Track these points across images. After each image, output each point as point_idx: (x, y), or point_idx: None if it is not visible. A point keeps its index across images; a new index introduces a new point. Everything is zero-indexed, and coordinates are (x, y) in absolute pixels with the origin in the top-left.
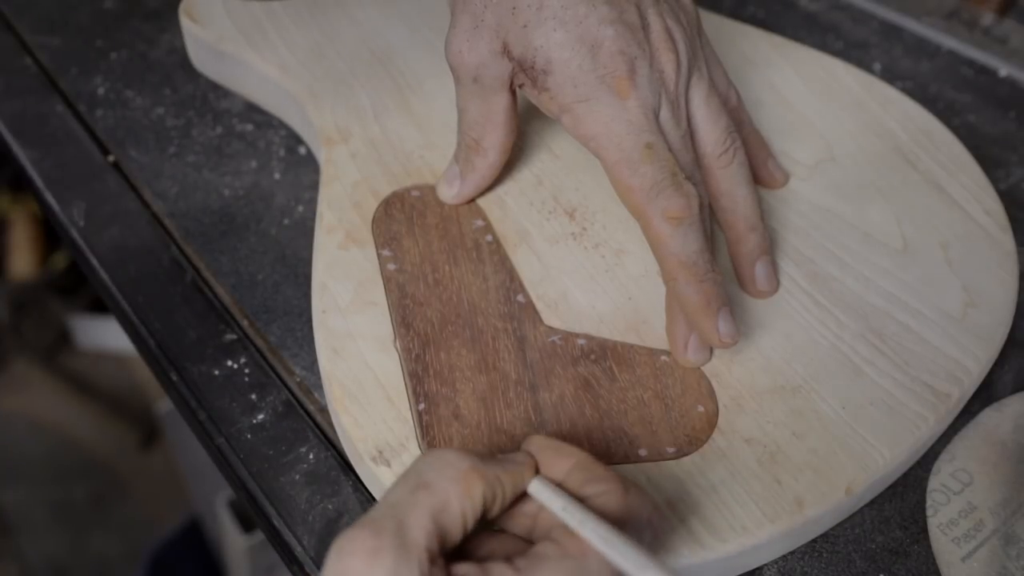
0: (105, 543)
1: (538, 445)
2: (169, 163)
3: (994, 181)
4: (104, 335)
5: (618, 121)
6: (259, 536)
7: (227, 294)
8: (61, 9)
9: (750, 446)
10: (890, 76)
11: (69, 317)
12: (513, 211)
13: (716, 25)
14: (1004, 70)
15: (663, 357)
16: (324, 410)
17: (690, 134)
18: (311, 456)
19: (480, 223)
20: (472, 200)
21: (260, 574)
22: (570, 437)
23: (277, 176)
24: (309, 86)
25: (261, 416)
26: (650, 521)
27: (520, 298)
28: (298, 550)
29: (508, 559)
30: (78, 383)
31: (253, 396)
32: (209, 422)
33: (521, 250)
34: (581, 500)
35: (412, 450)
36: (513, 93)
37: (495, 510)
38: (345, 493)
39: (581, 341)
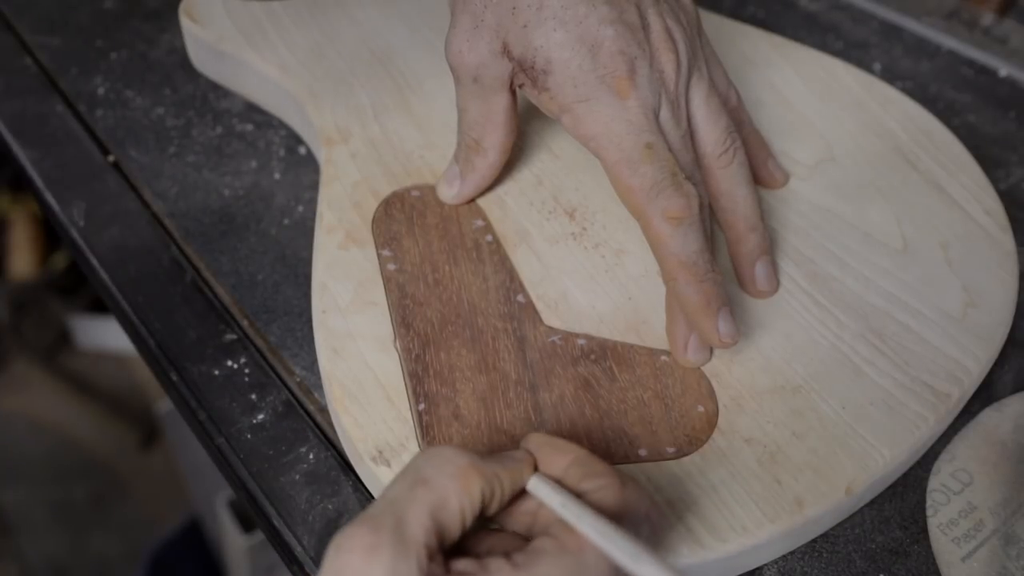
0: (105, 543)
1: (536, 442)
2: (169, 163)
3: (994, 181)
4: (104, 335)
5: (618, 121)
6: (259, 536)
7: (227, 294)
8: (61, 9)
9: (750, 446)
10: (890, 76)
11: (69, 317)
12: (513, 211)
13: (716, 25)
14: (1004, 70)
15: (663, 357)
16: (324, 410)
17: (690, 134)
18: (311, 456)
19: (480, 223)
20: (472, 200)
21: (260, 574)
22: (570, 437)
23: (277, 176)
24: (309, 86)
25: (261, 416)
26: (647, 515)
27: (520, 298)
28: (298, 550)
29: (506, 555)
30: (78, 383)
31: (253, 396)
32: (209, 422)
33: (521, 250)
34: (579, 495)
35: (412, 450)
36: (513, 93)
37: (494, 507)
38: (345, 493)
39: (581, 341)
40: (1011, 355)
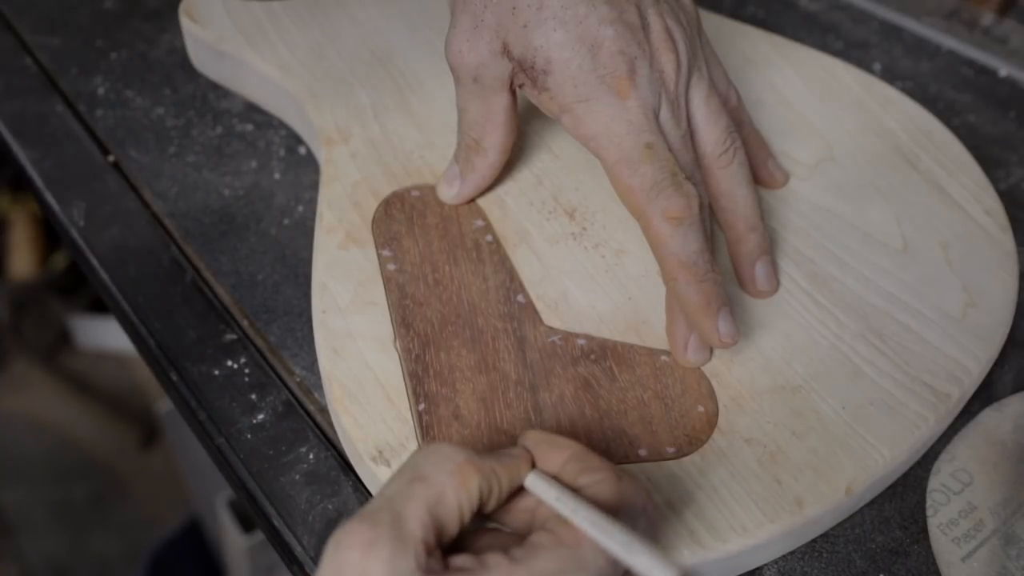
0: (105, 543)
1: (534, 439)
2: (169, 163)
3: (994, 181)
4: (104, 335)
5: (618, 121)
6: (259, 536)
7: (227, 294)
8: (61, 9)
9: (750, 446)
10: (890, 76)
11: (69, 317)
12: (513, 211)
13: (716, 25)
14: (1004, 70)
15: (663, 357)
16: (324, 410)
17: (690, 134)
18: (311, 456)
19: (480, 223)
20: (472, 200)
21: (260, 574)
22: (570, 437)
23: (277, 176)
24: (309, 86)
25: (261, 416)
26: (644, 509)
27: (520, 298)
28: (298, 550)
29: (504, 550)
30: (78, 383)
31: (253, 396)
32: (209, 422)
33: (521, 250)
34: (576, 491)
35: (412, 450)
36: (513, 93)
37: (492, 504)
38: (345, 493)
39: (581, 341)
40: (1011, 355)
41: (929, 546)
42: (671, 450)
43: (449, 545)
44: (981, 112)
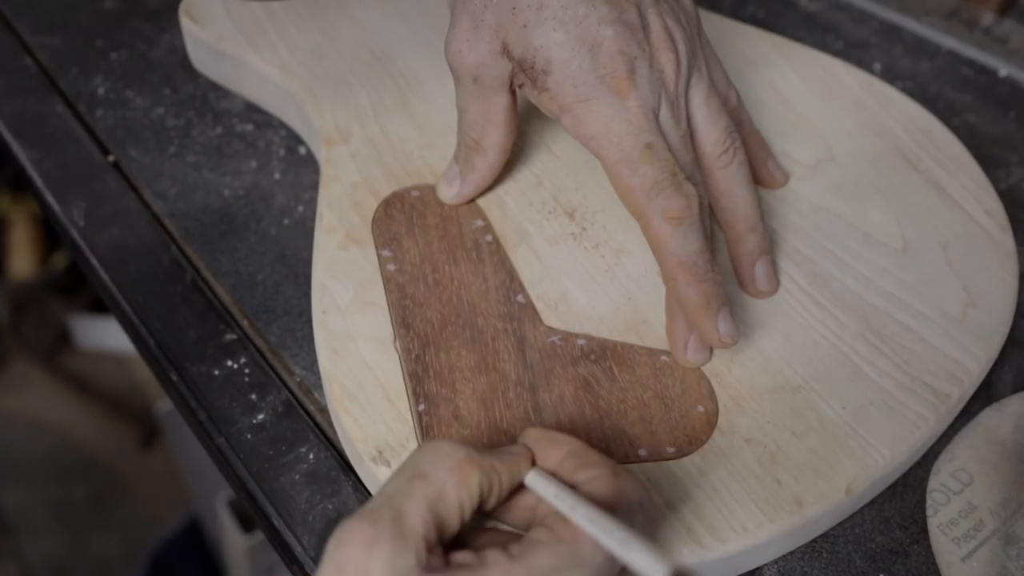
0: (105, 543)
1: (533, 436)
2: (169, 163)
3: (994, 181)
4: (104, 335)
5: (618, 121)
6: (259, 536)
7: (227, 294)
8: (61, 9)
9: (750, 446)
10: (890, 76)
11: (69, 317)
12: (513, 211)
13: (716, 25)
14: (1004, 70)
15: (663, 357)
16: (324, 410)
17: (690, 134)
18: (311, 456)
19: (480, 223)
20: (472, 200)
21: (260, 574)
22: None
23: (277, 176)
24: (309, 86)
25: (261, 416)
26: (641, 504)
27: (520, 298)
28: (298, 550)
29: (503, 547)
30: (78, 383)
31: (253, 396)
32: (209, 422)
33: (521, 250)
34: (573, 487)
35: (412, 450)
36: (513, 93)
37: (492, 501)
38: (345, 493)
39: (581, 341)
40: (1011, 355)
41: (929, 546)
42: (671, 450)
43: (449, 542)
44: (981, 112)
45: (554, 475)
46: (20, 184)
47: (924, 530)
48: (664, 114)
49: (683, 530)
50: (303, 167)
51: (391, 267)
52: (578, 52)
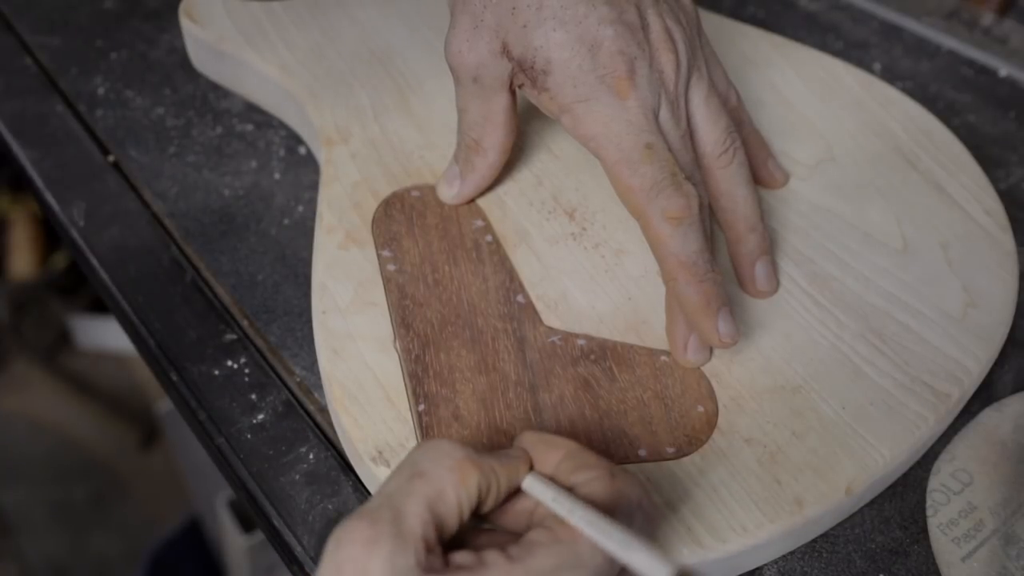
0: (105, 543)
1: (530, 440)
2: (169, 163)
3: (994, 181)
4: (104, 335)
5: (618, 121)
6: (259, 536)
7: (227, 294)
8: (61, 9)
9: (750, 446)
10: (890, 76)
11: (69, 317)
12: (513, 211)
13: (716, 25)
14: (1004, 70)
15: (663, 357)
16: (324, 410)
17: (690, 134)
18: (311, 456)
19: (480, 223)
20: (472, 200)
21: (260, 574)
22: (570, 437)
23: (277, 176)
24: (309, 86)
25: (261, 416)
26: (640, 504)
27: (520, 298)
28: (298, 550)
29: (502, 548)
30: (78, 383)
31: (253, 396)
32: (209, 422)
33: (521, 250)
34: (570, 489)
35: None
36: (513, 93)
37: (490, 502)
38: (345, 493)
39: (581, 341)
40: (1011, 355)
41: (929, 546)
42: (671, 450)
43: (448, 543)
44: (981, 112)
45: (551, 478)
46: (20, 184)
47: (924, 530)
48: (664, 114)
49: (683, 530)
50: (303, 167)
51: (391, 267)
52: (578, 52)
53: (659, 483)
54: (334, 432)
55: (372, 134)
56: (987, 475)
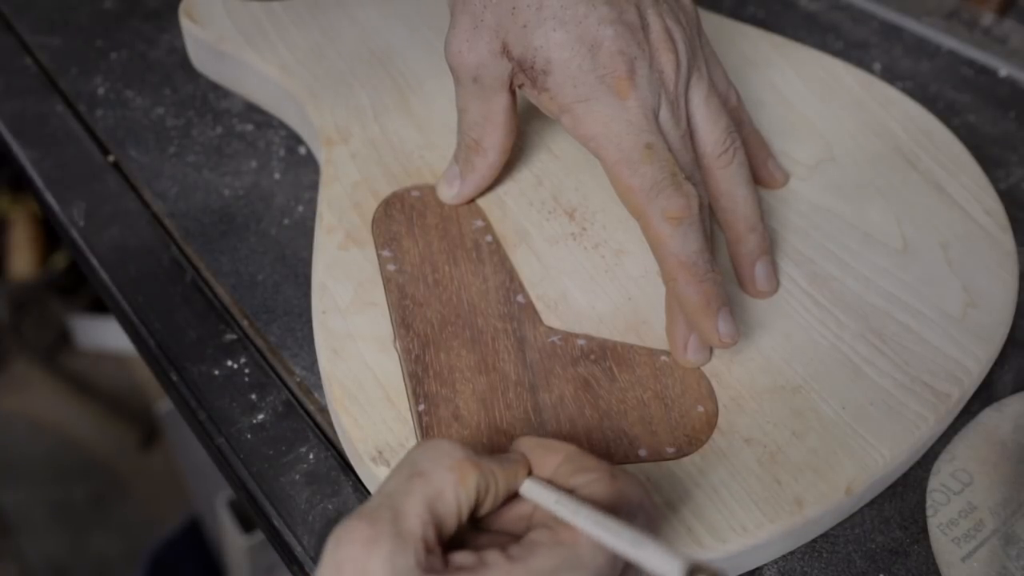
0: (105, 543)
1: (527, 445)
2: (169, 163)
3: (994, 181)
4: (104, 335)
5: (618, 121)
6: (259, 536)
7: (227, 294)
8: (61, 9)
9: (750, 446)
10: (890, 76)
11: (69, 317)
12: (513, 211)
13: (716, 25)
14: (1004, 70)
15: (663, 357)
16: (324, 410)
17: (690, 134)
18: (311, 456)
19: (480, 223)
20: (472, 200)
21: (260, 574)
22: (570, 438)
23: (277, 176)
24: (309, 86)
25: (261, 416)
26: (641, 505)
27: (520, 298)
28: (298, 550)
29: (502, 548)
30: (78, 383)
31: (253, 396)
32: (209, 422)
33: (521, 250)
34: (571, 492)
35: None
36: (513, 93)
37: (488, 504)
38: (345, 493)
39: (581, 341)
40: (1011, 355)
41: (929, 546)
42: (671, 450)
43: (448, 543)
44: (981, 112)
45: (550, 482)
46: (20, 184)
47: (924, 530)
48: (664, 114)
49: (683, 530)
50: (303, 167)
51: (391, 267)
52: (578, 52)
53: (659, 483)
54: (334, 432)
55: (372, 134)
56: (987, 475)
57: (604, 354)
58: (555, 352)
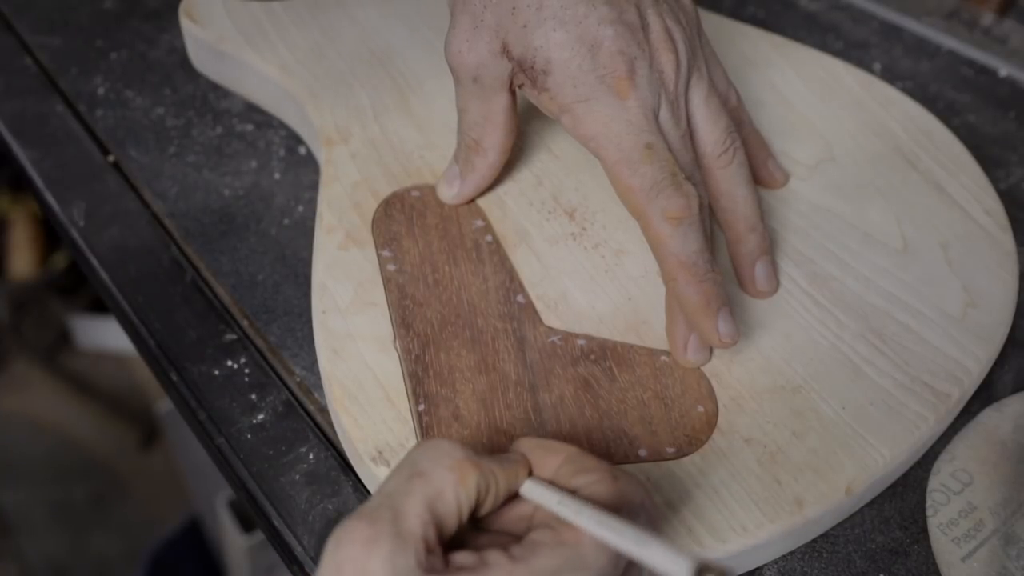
0: (105, 543)
1: (527, 446)
2: (169, 163)
3: (994, 181)
4: (104, 335)
5: (618, 121)
6: (259, 536)
7: (227, 294)
8: (61, 9)
9: (750, 446)
10: (890, 76)
11: (69, 317)
12: (513, 211)
13: (716, 25)
14: (1004, 70)
15: (663, 357)
16: (324, 410)
17: (690, 134)
18: (311, 456)
19: (480, 223)
20: (472, 200)
21: (260, 574)
22: (570, 438)
23: (277, 176)
24: (309, 86)
25: (261, 416)
26: (643, 505)
27: (520, 298)
28: (298, 550)
29: (504, 548)
30: (78, 383)
31: (253, 396)
32: (209, 422)
33: (521, 250)
34: (572, 492)
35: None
36: (513, 93)
37: (488, 505)
38: (345, 493)
39: (581, 341)
40: (1011, 355)
41: (929, 546)
42: (671, 450)
43: (449, 543)
44: (981, 112)
45: (551, 483)
46: (20, 184)
47: (924, 530)
48: (664, 114)
49: (683, 530)
50: (303, 167)
51: (391, 267)
52: (578, 52)
53: (659, 483)
54: (334, 432)
55: (372, 134)
56: (987, 475)
57: (604, 354)
58: (555, 352)
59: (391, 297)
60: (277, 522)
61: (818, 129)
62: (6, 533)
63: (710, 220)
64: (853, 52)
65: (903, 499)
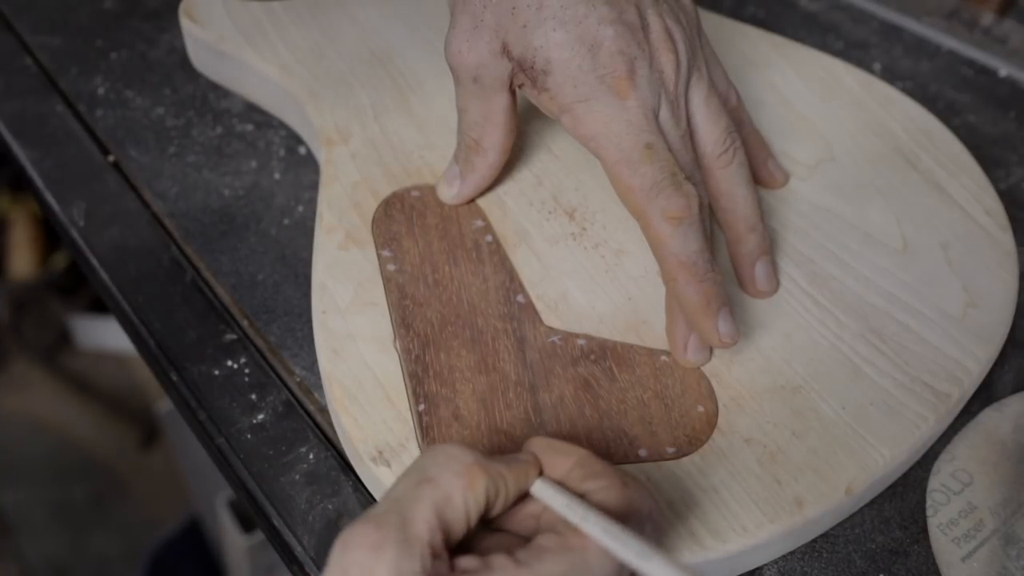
0: (105, 543)
1: (539, 446)
2: (169, 163)
3: (994, 181)
4: (104, 335)
5: (618, 121)
6: (259, 536)
7: (227, 294)
8: (61, 9)
9: (750, 446)
10: (890, 76)
11: (69, 317)
12: (513, 211)
13: (716, 25)
14: (1004, 70)
15: (663, 357)
16: (324, 410)
17: (690, 134)
18: (311, 456)
19: (480, 223)
20: (472, 200)
21: (260, 574)
22: (570, 438)
23: (277, 176)
24: (309, 86)
25: (261, 416)
26: (650, 514)
27: (520, 298)
28: (298, 550)
29: (509, 552)
30: (78, 383)
31: (253, 396)
32: (209, 422)
33: (521, 250)
34: (581, 496)
35: (412, 451)
36: (513, 93)
37: (498, 507)
38: (345, 493)
39: (581, 341)
40: (1011, 355)
41: (929, 546)
42: (671, 450)
43: (455, 546)
44: (981, 112)
45: (561, 485)
46: (20, 184)
47: (924, 530)
48: (664, 114)
49: (683, 530)
50: (303, 167)
51: (391, 267)
52: (578, 52)
53: (659, 483)
54: (334, 432)
55: (372, 134)
56: (987, 475)
57: (604, 354)
58: (555, 352)
59: (391, 297)
60: (277, 522)
61: (818, 129)
62: (6, 533)
63: (710, 220)
64: (853, 52)
65: (903, 499)
